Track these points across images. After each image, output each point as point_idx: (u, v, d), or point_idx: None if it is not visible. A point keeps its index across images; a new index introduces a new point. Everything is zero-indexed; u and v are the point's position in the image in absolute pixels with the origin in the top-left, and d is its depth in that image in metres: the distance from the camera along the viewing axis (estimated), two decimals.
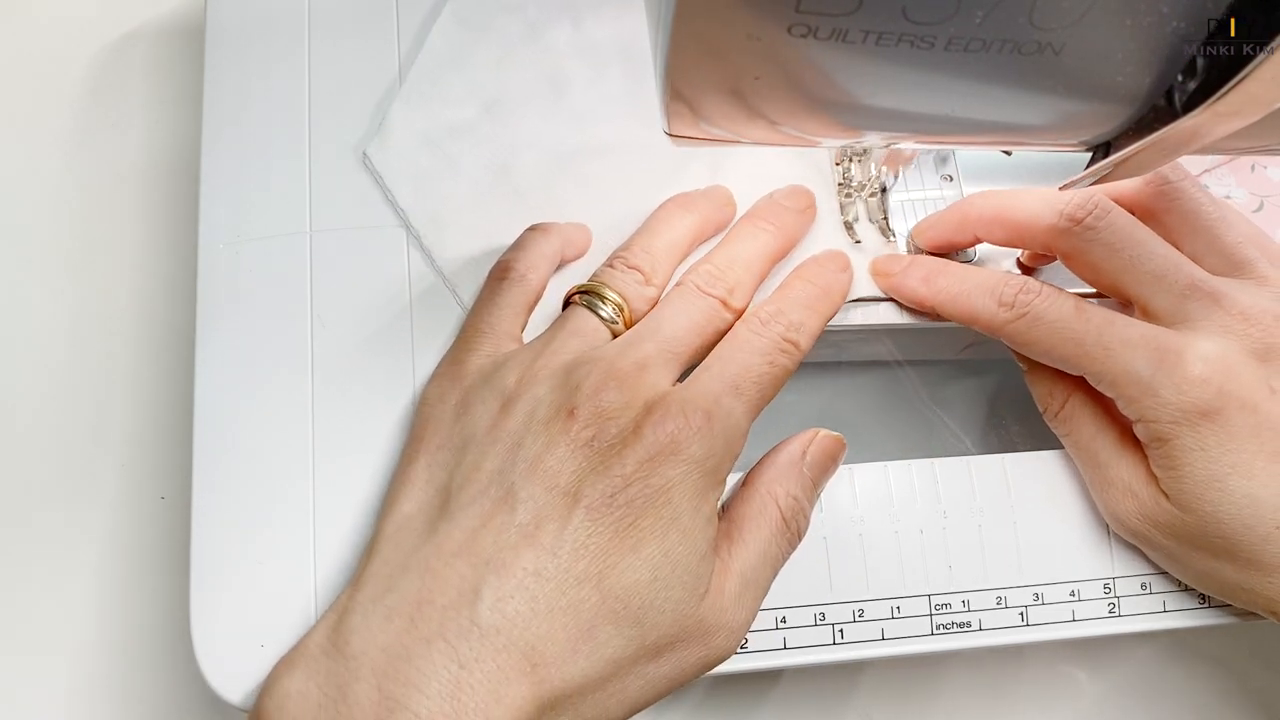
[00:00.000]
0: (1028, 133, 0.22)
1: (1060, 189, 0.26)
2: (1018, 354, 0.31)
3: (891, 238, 0.33)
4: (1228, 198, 0.36)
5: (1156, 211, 0.30)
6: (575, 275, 0.31)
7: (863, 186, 0.33)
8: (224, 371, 0.30)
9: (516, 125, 0.33)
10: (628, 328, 0.29)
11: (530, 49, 0.34)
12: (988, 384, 0.38)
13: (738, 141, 0.23)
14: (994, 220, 0.30)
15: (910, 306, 0.31)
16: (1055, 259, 0.31)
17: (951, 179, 0.34)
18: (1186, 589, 0.30)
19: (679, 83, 0.20)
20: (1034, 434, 0.32)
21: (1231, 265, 0.29)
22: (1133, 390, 0.27)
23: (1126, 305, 0.29)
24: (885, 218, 0.33)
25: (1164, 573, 0.30)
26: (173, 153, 0.42)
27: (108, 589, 0.36)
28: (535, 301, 0.30)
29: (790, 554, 0.28)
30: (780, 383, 0.28)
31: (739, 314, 0.29)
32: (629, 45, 0.34)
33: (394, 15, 0.35)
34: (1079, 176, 0.23)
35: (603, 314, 0.29)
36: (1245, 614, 0.29)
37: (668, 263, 0.30)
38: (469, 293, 0.31)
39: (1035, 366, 0.30)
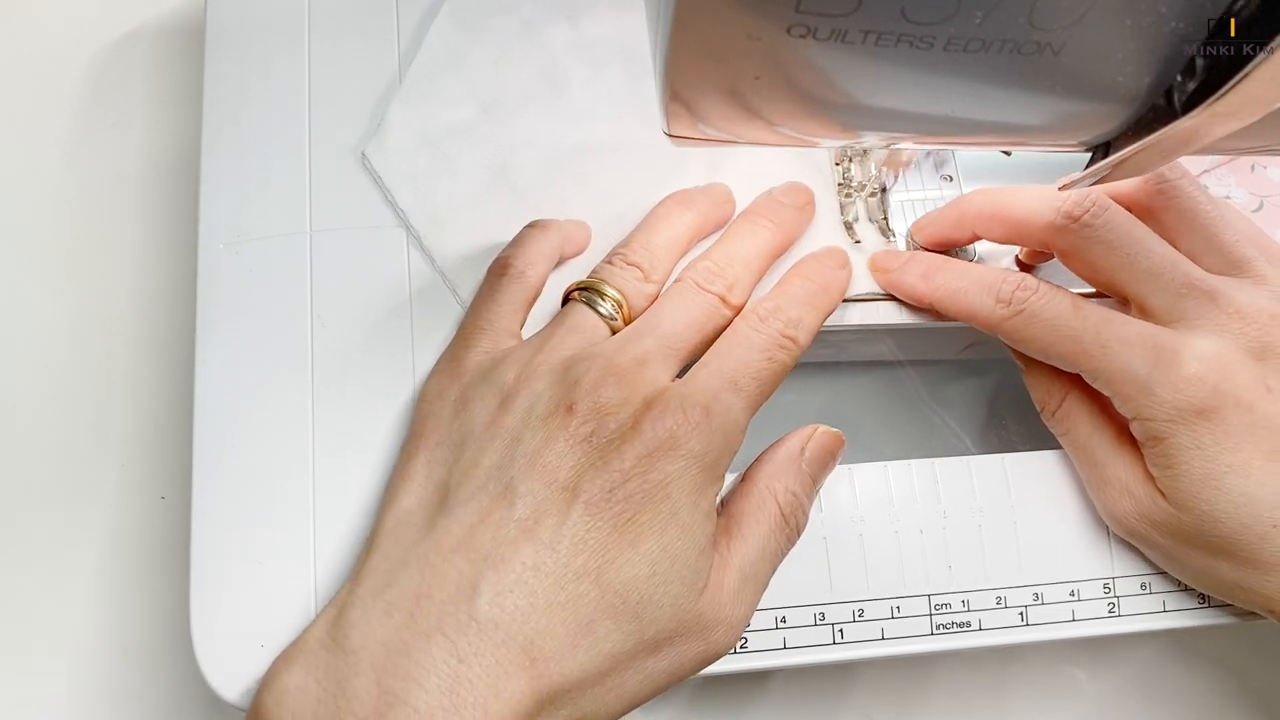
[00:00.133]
0: (1027, 133, 0.22)
1: (1060, 189, 0.26)
2: (1016, 352, 0.31)
3: (891, 238, 0.33)
4: (1227, 198, 0.36)
5: (1155, 210, 0.30)
6: (574, 272, 0.31)
7: (862, 186, 0.33)
8: (224, 371, 0.30)
9: (515, 124, 0.33)
10: (627, 324, 0.29)
11: (527, 48, 0.34)
12: (988, 384, 0.38)
13: (737, 142, 0.23)
14: (992, 217, 0.30)
15: (909, 303, 0.31)
16: (1053, 256, 0.31)
17: (951, 179, 0.34)
18: (1186, 589, 0.30)
19: (679, 83, 0.20)
20: (1034, 434, 0.32)
21: (1229, 264, 0.29)
22: (1129, 388, 0.27)
23: (1124, 303, 0.29)
24: (885, 217, 0.33)
25: (1163, 572, 0.30)
26: (173, 153, 0.42)
27: (108, 589, 0.36)
28: (534, 298, 0.30)
29: (789, 549, 0.28)
30: (779, 378, 0.28)
31: (738, 310, 0.29)
32: (626, 43, 0.34)
33: (394, 15, 0.35)
34: (1078, 177, 0.23)
35: (602, 310, 0.29)
36: (1245, 613, 0.29)
37: (667, 260, 0.30)
38: (469, 292, 0.31)
39: (1033, 365, 0.31)
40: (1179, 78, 0.19)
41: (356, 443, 0.29)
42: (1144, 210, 0.30)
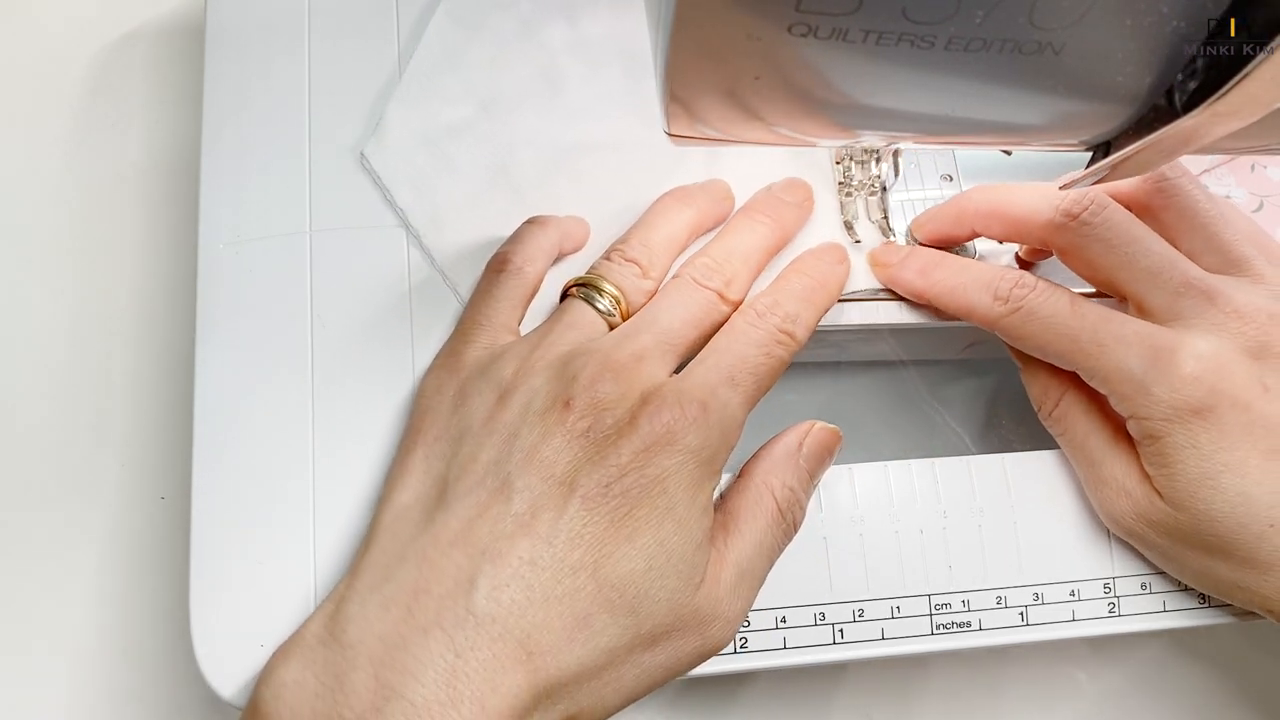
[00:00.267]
0: (1028, 133, 0.22)
1: (1060, 188, 0.26)
2: (1014, 350, 0.31)
3: (891, 236, 0.33)
4: (1227, 197, 0.36)
5: (1154, 209, 0.30)
6: (573, 268, 0.31)
7: (862, 185, 0.33)
8: (224, 371, 0.30)
9: (513, 123, 0.33)
10: (625, 320, 0.29)
11: (525, 46, 0.34)
12: (988, 384, 0.38)
13: (738, 142, 0.23)
14: (991, 215, 0.30)
15: (907, 298, 0.31)
16: (1053, 254, 0.31)
17: (951, 179, 0.34)
18: (1186, 588, 0.30)
19: (679, 83, 0.20)
20: (1034, 434, 0.32)
21: (1228, 263, 0.29)
22: (1125, 387, 0.27)
23: (1122, 302, 0.29)
24: (885, 216, 0.33)
25: (1163, 572, 0.30)
26: (173, 153, 0.42)
27: (108, 589, 0.36)
28: (532, 294, 0.30)
29: (786, 545, 0.28)
30: (776, 374, 0.28)
31: (736, 306, 0.29)
32: (624, 41, 0.34)
33: (394, 15, 0.35)
34: (1079, 176, 0.23)
35: (600, 307, 0.29)
36: (1245, 613, 0.29)
37: (665, 256, 0.30)
38: (469, 291, 0.31)
39: (1030, 363, 0.31)
40: (1179, 77, 0.19)
41: (357, 442, 0.29)
42: (1143, 209, 0.30)
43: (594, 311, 0.29)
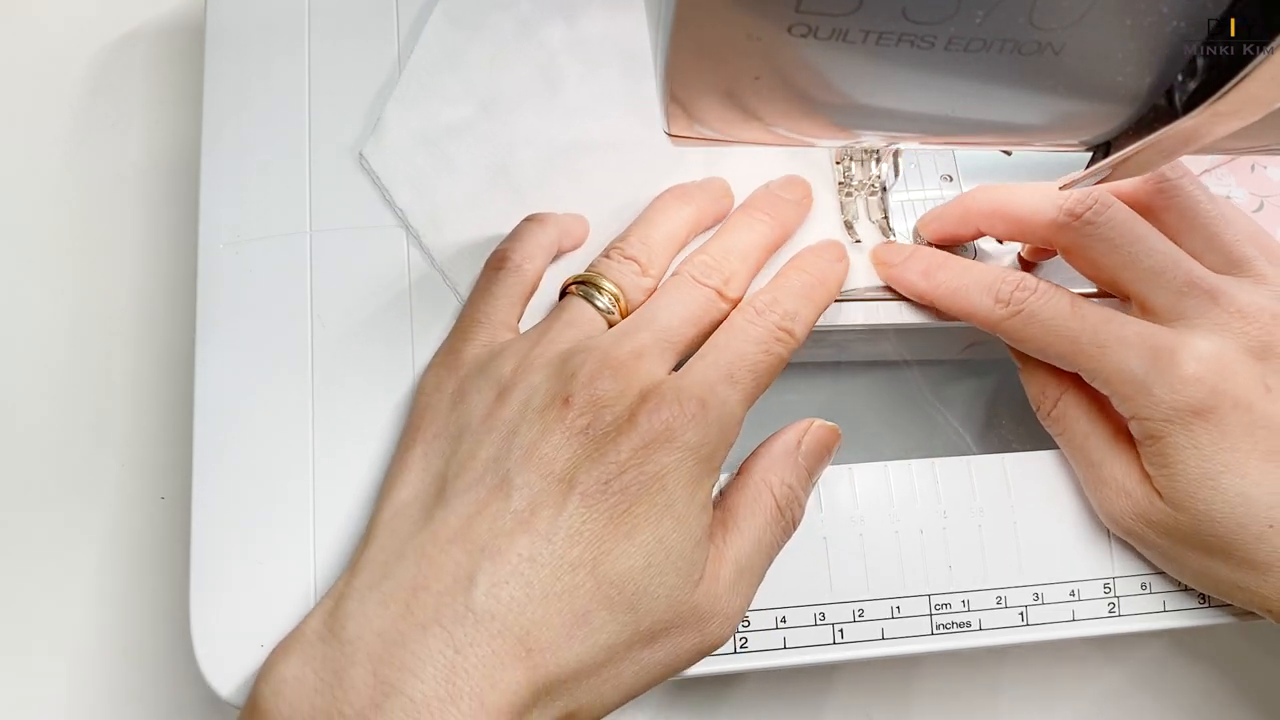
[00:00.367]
0: (1028, 133, 0.22)
1: (1060, 189, 0.26)
2: (1013, 350, 0.31)
3: (891, 236, 0.33)
4: (1227, 197, 0.36)
5: (1155, 209, 0.30)
6: (572, 266, 0.31)
7: (863, 185, 0.33)
8: (224, 371, 0.30)
9: (512, 123, 0.33)
10: (624, 318, 0.29)
11: (524, 46, 0.34)
12: (988, 384, 0.38)
13: (739, 143, 0.23)
14: (994, 214, 0.30)
15: (909, 299, 0.31)
16: (1057, 254, 0.31)
17: (951, 179, 0.34)
18: (1186, 588, 0.30)
19: (679, 84, 0.20)
20: (1035, 434, 0.32)
21: (1230, 263, 0.29)
22: (1127, 389, 0.27)
23: (1126, 301, 0.29)
24: (885, 216, 0.33)
25: (1163, 572, 0.30)
26: (173, 153, 0.42)
27: (108, 589, 0.36)
28: (531, 292, 0.30)
29: (785, 542, 0.28)
30: (775, 371, 0.28)
31: (735, 304, 0.29)
32: (623, 40, 0.34)
33: (394, 15, 0.35)
34: (1079, 176, 0.23)
35: (599, 304, 0.29)
36: (1244, 613, 0.29)
37: (664, 253, 0.30)
38: (468, 291, 0.31)
39: (1029, 363, 0.31)
40: (1179, 77, 0.19)
41: (357, 443, 0.29)
42: (1145, 209, 0.30)
43: (593, 309, 0.29)
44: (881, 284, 0.32)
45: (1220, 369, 0.26)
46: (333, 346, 0.31)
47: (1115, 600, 0.30)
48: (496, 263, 0.30)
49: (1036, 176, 0.34)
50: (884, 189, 0.33)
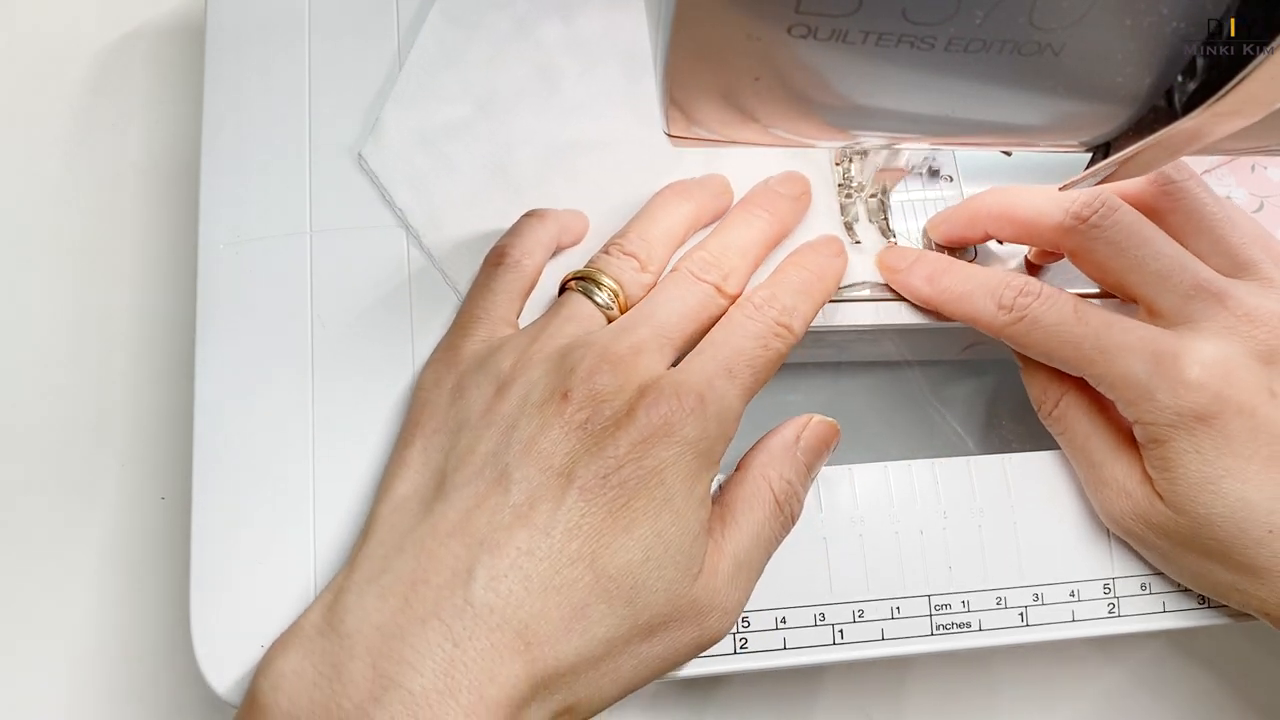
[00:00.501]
0: (1028, 133, 0.22)
1: (1060, 190, 0.26)
2: (1016, 352, 0.31)
3: (892, 238, 0.33)
4: (1228, 197, 0.36)
5: (1160, 211, 0.30)
6: (572, 262, 0.31)
7: (863, 187, 0.33)
8: (224, 371, 0.30)
9: (510, 122, 0.33)
10: (623, 314, 0.29)
11: (521, 45, 0.34)
12: (988, 384, 0.38)
13: (739, 144, 0.23)
14: (1001, 217, 0.30)
15: (913, 302, 0.31)
16: (1063, 256, 0.31)
17: (951, 179, 0.34)
18: (1185, 589, 0.30)
19: (679, 85, 0.20)
20: (1035, 434, 0.32)
21: (1236, 266, 0.29)
22: (1130, 394, 0.27)
23: (1132, 304, 0.29)
24: (885, 218, 0.33)
25: (1163, 573, 0.30)
26: (173, 153, 0.42)
27: (108, 589, 0.36)
28: (530, 287, 0.30)
29: (783, 537, 0.28)
30: (774, 366, 0.28)
31: (733, 300, 0.29)
32: (620, 39, 0.34)
33: (393, 15, 0.35)
34: (1079, 177, 0.23)
35: (598, 300, 0.29)
36: (1244, 614, 0.29)
37: (664, 249, 0.30)
38: (468, 289, 0.31)
39: (1030, 364, 0.31)
40: (1179, 78, 0.19)
41: (357, 443, 0.29)
42: (1150, 211, 0.30)
43: (592, 305, 0.29)
44: (880, 280, 0.32)
45: (1224, 374, 0.26)
46: (332, 346, 0.31)
47: (1115, 601, 0.30)
48: (496, 258, 0.30)
49: (1036, 177, 0.34)
50: (884, 190, 0.33)
